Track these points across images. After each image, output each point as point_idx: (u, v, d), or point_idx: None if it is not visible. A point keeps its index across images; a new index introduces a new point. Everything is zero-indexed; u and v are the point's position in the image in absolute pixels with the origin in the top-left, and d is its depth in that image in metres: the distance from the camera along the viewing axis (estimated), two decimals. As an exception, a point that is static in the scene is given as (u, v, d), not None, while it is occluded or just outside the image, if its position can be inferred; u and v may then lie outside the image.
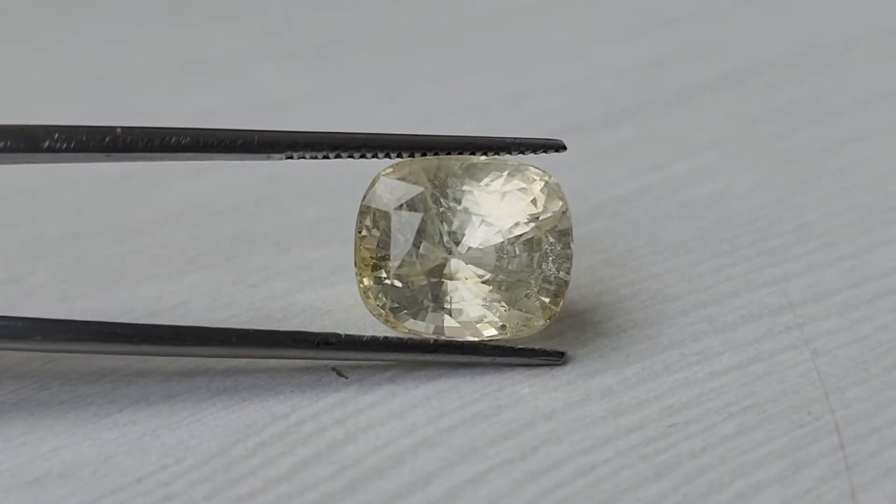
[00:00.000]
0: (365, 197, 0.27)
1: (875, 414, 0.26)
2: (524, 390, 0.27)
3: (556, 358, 0.27)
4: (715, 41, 0.40)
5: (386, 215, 0.26)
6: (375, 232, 0.26)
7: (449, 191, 0.26)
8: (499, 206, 0.26)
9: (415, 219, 0.26)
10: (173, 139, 0.26)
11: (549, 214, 0.26)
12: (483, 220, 0.26)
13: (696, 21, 0.41)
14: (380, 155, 0.26)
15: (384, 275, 0.26)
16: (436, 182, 0.26)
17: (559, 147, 0.27)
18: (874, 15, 0.41)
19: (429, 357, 0.27)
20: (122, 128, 0.25)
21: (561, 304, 0.26)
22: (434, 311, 0.26)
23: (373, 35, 0.41)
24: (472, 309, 0.26)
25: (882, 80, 0.38)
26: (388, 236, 0.26)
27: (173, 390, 0.27)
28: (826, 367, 0.27)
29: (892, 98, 0.37)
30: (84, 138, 0.25)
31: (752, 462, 0.25)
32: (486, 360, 0.27)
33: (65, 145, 0.25)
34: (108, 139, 0.25)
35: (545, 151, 0.27)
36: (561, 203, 0.27)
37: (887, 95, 0.37)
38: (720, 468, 0.25)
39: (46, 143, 0.25)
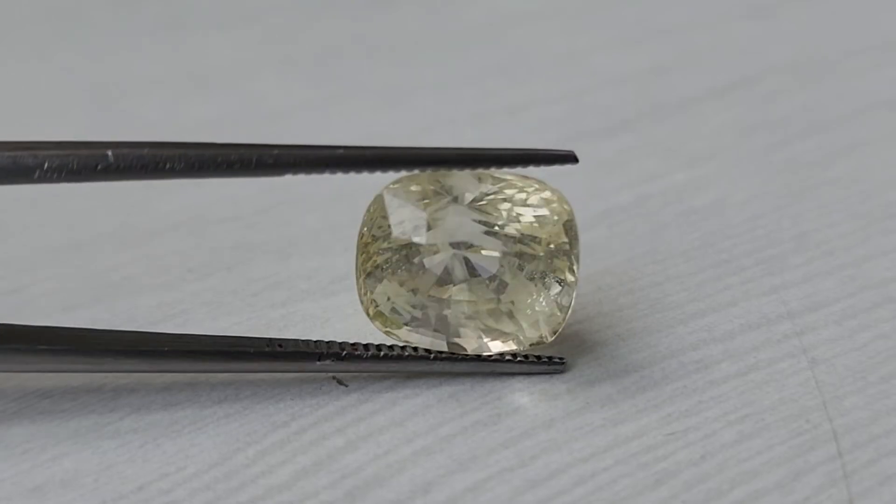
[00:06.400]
0: (369, 207, 0.27)
1: (873, 422, 0.26)
2: (524, 399, 0.27)
3: (557, 365, 0.27)
4: (713, 51, 0.40)
5: (389, 227, 0.26)
6: (378, 241, 0.26)
7: (455, 203, 0.26)
8: (505, 219, 0.26)
9: (419, 229, 0.26)
10: (167, 165, 0.25)
11: (554, 223, 0.26)
12: (488, 233, 0.26)
13: (694, 31, 0.41)
14: (384, 170, 0.26)
15: (385, 284, 0.26)
16: (440, 193, 0.26)
17: (571, 159, 0.26)
18: (871, 26, 0.41)
19: (428, 367, 0.27)
20: (113, 151, 0.25)
21: (566, 313, 0.26)
22: (435, 322, 0.26)
23: (373, 45, 0.41)
24: (475, 321, 0.26)
25: (879, 89, 0.38)
26: (391, 247, 0.26)
27: (174, 399, 0.27)
28: (824, 375, 0.27)
29: (890, 108, 0.37)
30: (74, 166, 0.25)
31: (750, 470, 0.25)
32: (486, 369, 0.27)
33: (55, 175, 0.25)
34: (99, 166, 0.25)
35: (558, 164, 0.26)
36: (566, 212, 0.27)
37: (885, 105, 0.37)
38: (719, 476, 0.25)
39: (37, 174, 0.25)
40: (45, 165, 0.25)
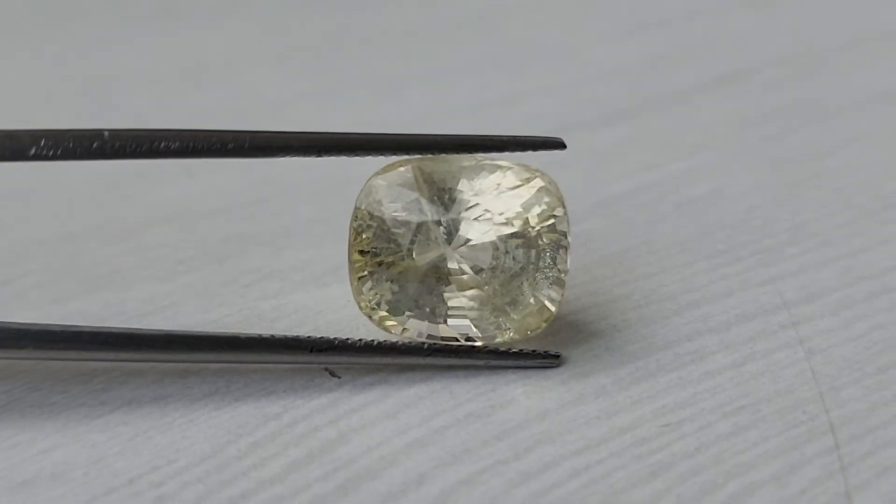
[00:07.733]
0: (359, 197, 0.26)
1: (870, 414, 0.26)
2: (517, 390, 0.26)
3: (551, 360, 0.27)
4: (710, 42, 0.40)
5: (381, 216, 0.26)
6: (370, 232, 0.26)
7: (444, 190, 0.26)
8: (494, 204, 0.26)
9: (410, 219, 0.26)
10: (162, 144, 0.25)
11: (545, 212, 0.26)
12: (479, 219, 0.26)
13: (691, 22, 0.41)
14: (375, 154, 0.26)
15: (378, 274, 0.26)
16: (431, 181, 0.26)
17: (559, 145, 0.27)
18: (868, 17, 0.41)
19: (422, 361, 0.27)
20: (109, 132, 0.25)
21: (558, 304, 0.26)
22: (428, 313, 0.26)
23: (368, 37, 0.41)
24: (468, 312, 0.26)
25: (876, 81, 0.37)
26: (383, 236, 0.26)
27: (165, 391, 0.26)
28: (821, 366, 0.27)
29: (887, 99, 0.37)
30: (71, 144, 0.25)
31: (746, 462, 0.25)
32: (480, 363, 0.27)
33: (51, 153, 0.25)
34: (95, 145, 0.25)
35: (545, 149, 0.27)
36: (557, 201, 0.26)
37: (881, 97, 0.37)
38: (714, 468, 0.25)
39: (33, 151, 0.25)
40: (42, 142, 0.25)
